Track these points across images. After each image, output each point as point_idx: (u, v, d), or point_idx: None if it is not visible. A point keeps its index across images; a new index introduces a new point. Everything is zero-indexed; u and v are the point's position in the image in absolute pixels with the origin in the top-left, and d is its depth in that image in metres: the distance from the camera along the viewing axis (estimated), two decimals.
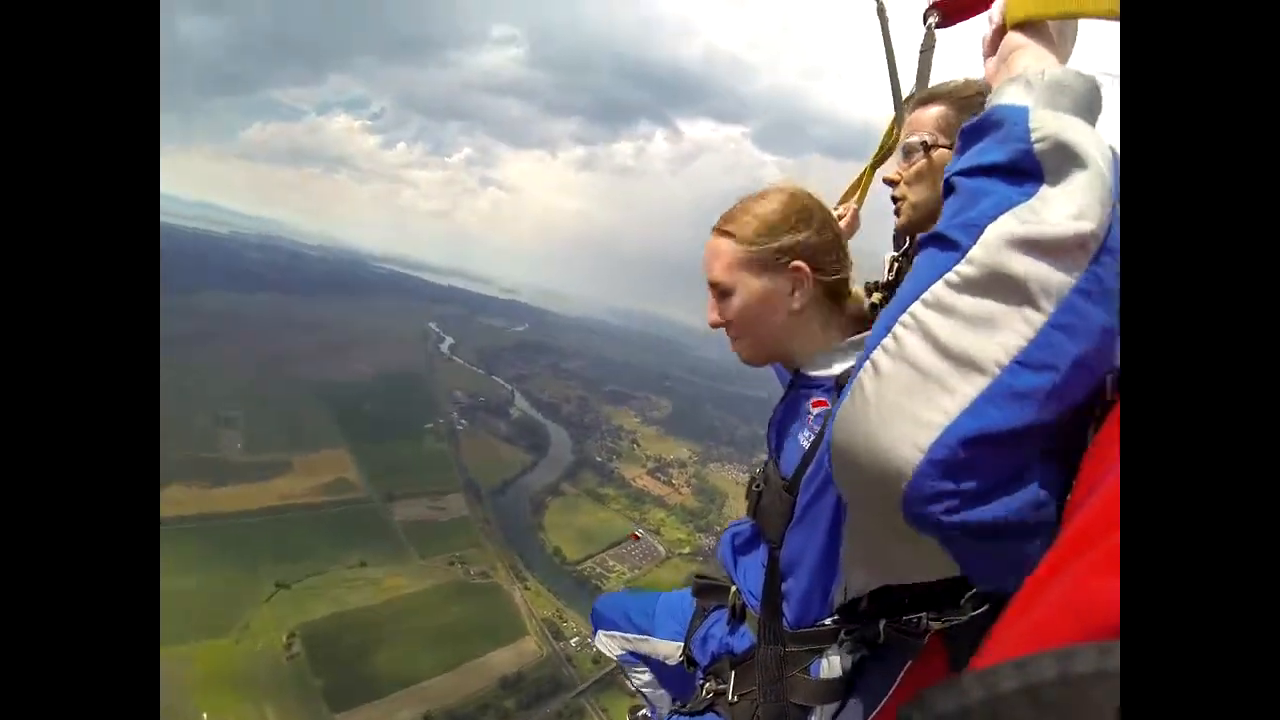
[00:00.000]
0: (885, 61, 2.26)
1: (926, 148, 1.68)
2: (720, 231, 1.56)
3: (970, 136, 0.92)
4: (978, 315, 0.78)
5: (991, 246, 0.79)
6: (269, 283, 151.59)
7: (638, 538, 75.35)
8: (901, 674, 1.35)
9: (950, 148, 1.63)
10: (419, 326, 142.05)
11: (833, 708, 1.49)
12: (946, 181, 0.91)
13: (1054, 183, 0.81)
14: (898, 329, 0.84)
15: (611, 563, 71.50)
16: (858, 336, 1.53)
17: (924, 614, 1.32)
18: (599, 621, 2.40)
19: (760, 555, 1.64)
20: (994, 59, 1.05)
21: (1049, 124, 0.83)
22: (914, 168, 1.71)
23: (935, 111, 1.70)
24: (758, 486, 1.65)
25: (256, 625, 49.91)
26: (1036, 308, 0.76)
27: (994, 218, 0.81)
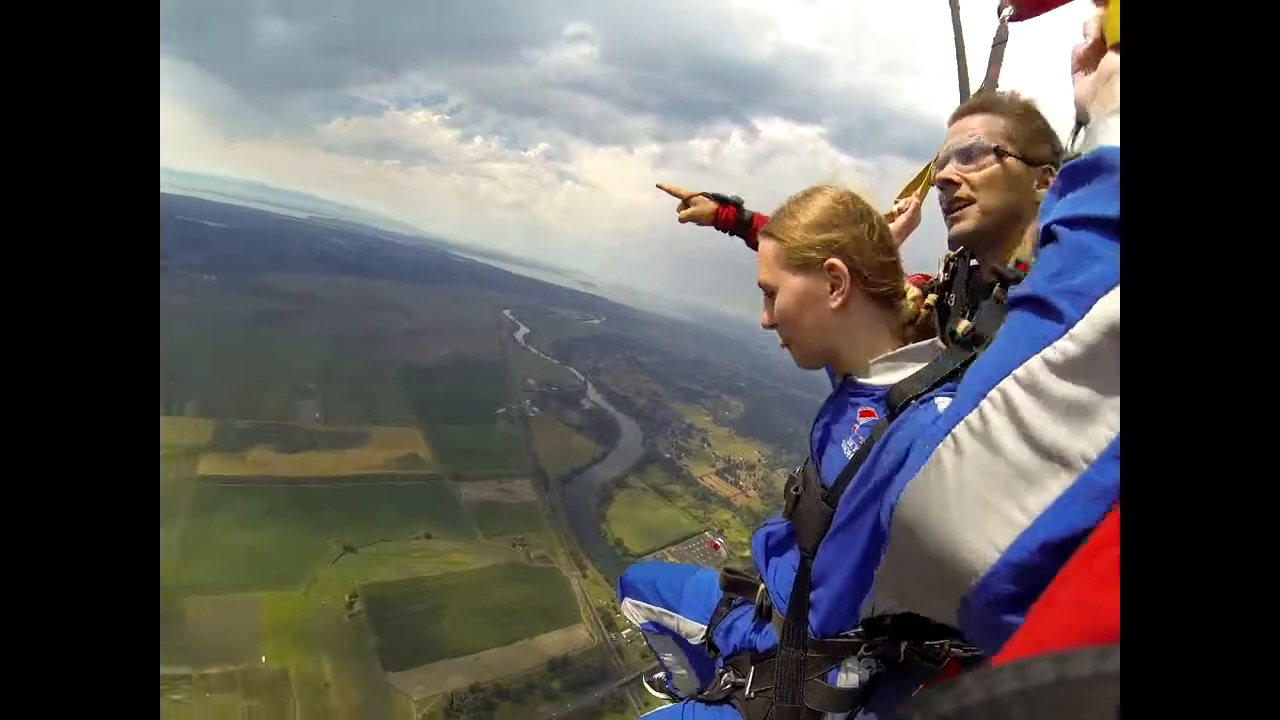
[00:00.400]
0: (955, 53, 2.22)
1: (1000, 153, 1.63)
2: (766, 233, 1.59)
3: (1074, 178, 0.82)
4: (1074, 403, 0.72)
5: (1100, 325, 0.71)
6: (349, 266, 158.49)
7: (716, 546, 73.74)
8: (915, 693, 1.39)
9: (1021, 159, 1.62)
10: (495, 315, 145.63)
11: (843, 716, 1.54)
12: (1046, 228, 0.83)
13: None
14: (985, 406, 0.79)
15: (671, 559, 70.42)
16: (911, 346, 1.51)
17: (947, 640, 1.44)
18: (627, 589, 2.45)
19: (792, 558, 1.65)
20: (1088, 77, 0.93)
21: None
22: (984, 171, 1.66)
23: (1003, 121, 1.67)
24: (796, 489, 1.64)
25: (323, 581, 51.86)
26: None
27: (1107, 289, 0.72)
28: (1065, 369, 0.73)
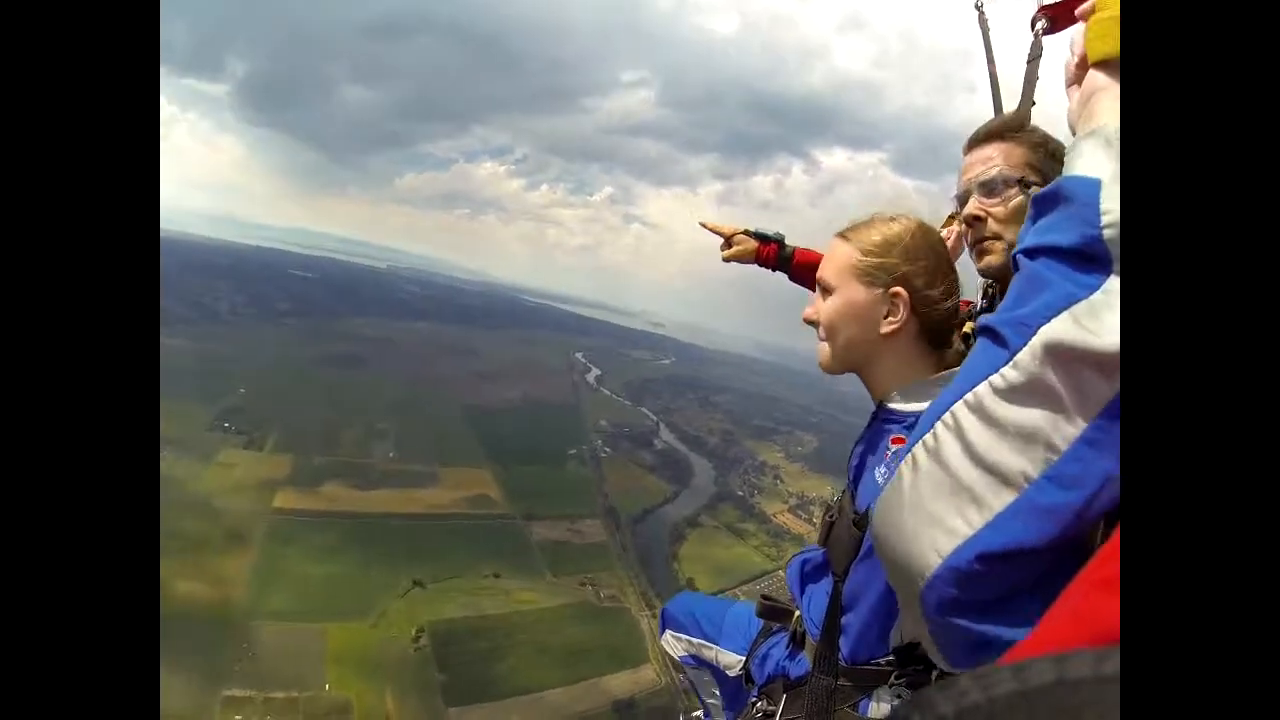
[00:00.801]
0: (988, 75, 2.23)
1: (1025, 184, 1.61)
2: (842, 235, 1.61)
3: (1041, 206, 0.88)
4: (1015, 425, 0.78)
5: (1038, 353, 0.77)
6: (424, 312, 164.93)
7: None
8: (914, 694, 1.36)
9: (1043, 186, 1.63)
10: (566, 357, 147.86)
11: None
12: (1013, 257, 0.89)
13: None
14: (939, 427, 0.86)
15: (743, 599, 67.62)
16: (945, 372, 1.52)
17: None
18: (668, 621, 2.49)
19: (826, 585, 1.67)
20: (1077, 93, 0.96)
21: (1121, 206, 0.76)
22: (1011, 204, 1.64)
23: (1022, 150, 1.66)
24: (831, 516, 1.69)
25: (390, 615, 52.56)
26: (1072, 422, 0.76)
27: (1048, 318, 0.78)
28: (1008, 394, 0.79)
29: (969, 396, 0.83)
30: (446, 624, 52.82)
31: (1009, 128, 1.71)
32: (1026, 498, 0.77)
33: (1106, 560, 0.47)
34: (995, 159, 1.65)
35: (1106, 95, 0.88)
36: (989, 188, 1.65)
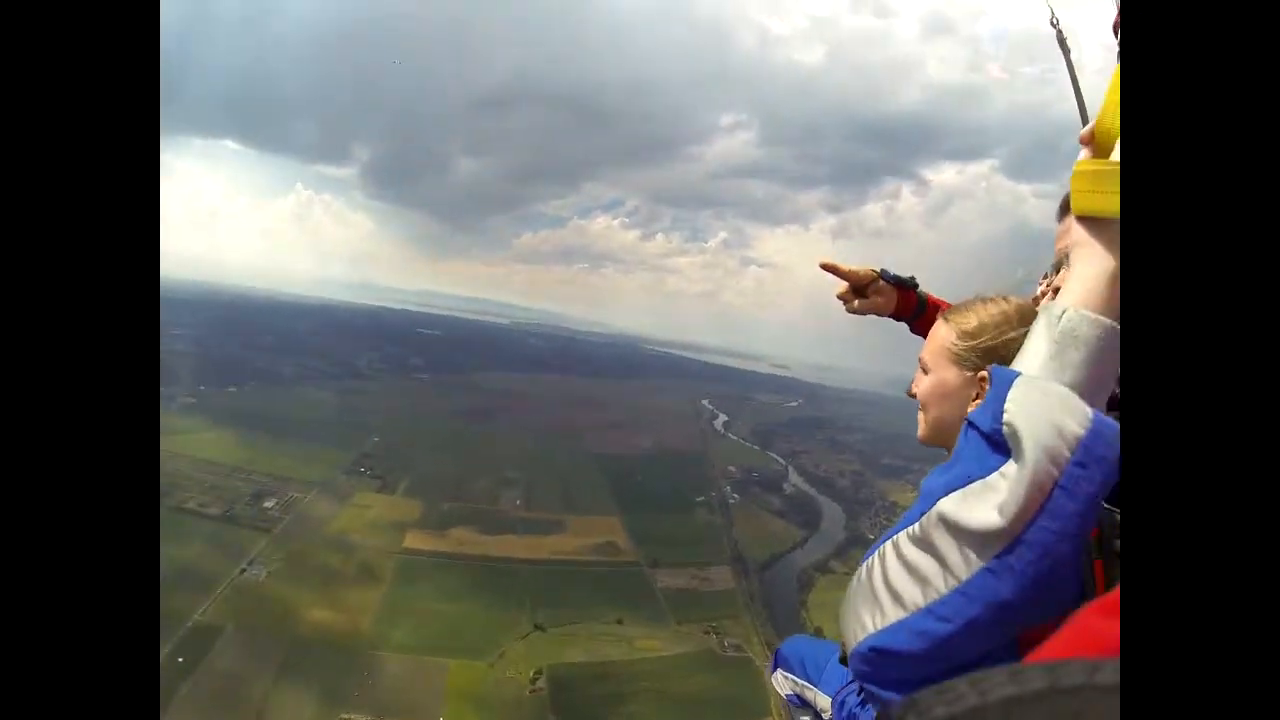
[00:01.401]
0: (1075, 98, 2.05)
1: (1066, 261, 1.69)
2: (944, 317, 1.73)
3: (993, 381, 1.07)
4: (915, 566, 1.04)
5: (932, 519, 1.03)
6: (550, 365, 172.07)
7: None
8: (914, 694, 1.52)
9: None
10: (693, 404, 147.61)
11: None
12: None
13: (1017, 459, 0.95)
14: (885, 547, 1.16)
15: None
16: None
17: None
18: (780, 661, 2.59)
19: None
20: (1067, 235, 1.15)
21: (1016, 412, 0.96)
22: (1055, 279, 1.71)
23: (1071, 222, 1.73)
24: None
25: (510, 656, 54.38)
26: (953, 574, 0.99)
27: (946, 492, 1.03)
28: (915, 543, 1.07)
29: (896, 537, 1.10)
30: (565, 668, 53.75)
31: None
32: (911, 618, 1.01)
33: (1106, 599, 0.50)
34: (1064, 235, 1.67)
35: (1081, 255, 1.04)
36: (1059, 266, 1.68)
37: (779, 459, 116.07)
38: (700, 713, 51.13)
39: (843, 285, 2.19)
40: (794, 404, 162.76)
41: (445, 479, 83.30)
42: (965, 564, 0.97)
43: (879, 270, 2.11)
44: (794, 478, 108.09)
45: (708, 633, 63.51)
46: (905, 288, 2.16)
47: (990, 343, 1.56)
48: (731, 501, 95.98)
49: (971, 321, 1.60)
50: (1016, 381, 0.98)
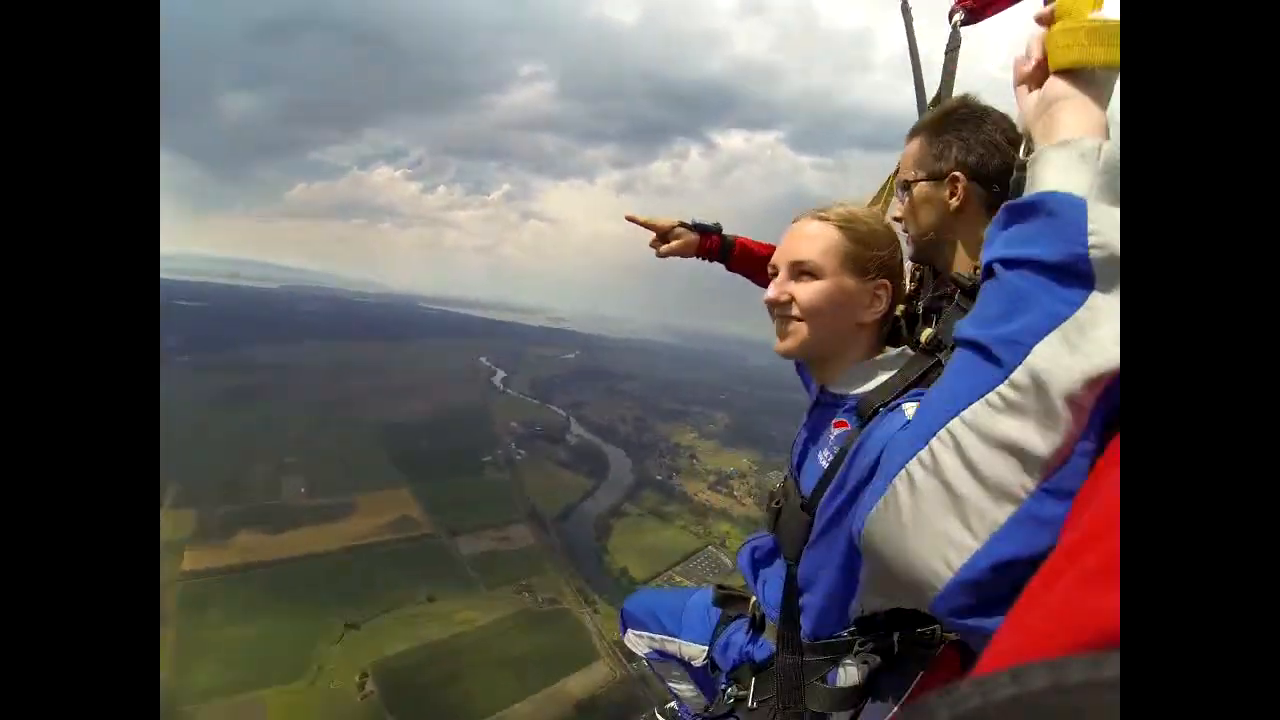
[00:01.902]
0: (911, 64, 2.27)
1: (906, 186, 1.69)
2: (824, 219, 1.54)
3: (1016, 215, 0.88)
4: (1013, 442, 0.79)
5: (1038, 373, 0.78)
6: (322, 331, 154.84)
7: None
8: (915, 681, 1.47)
9: (927, 179, 1.65)
10: (471, 362, 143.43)
11: (848, 715, 1.56)
12: (987, 265, 0.90)
13: (1105, 290, 0.78)
14: (935, 445, 0.87)
15: (679, 579, 68.54)
16: (880, 356, 1.53)
17: (937, 626, 1.46)
18: (628, 620, 2.44)
19: (779, 569, 1.68)
20: (1033, 98, 0.98)
21: (1108, 231, 0.78)
22: (904, 206, 1.71)
23: (912, 146, 1.71)
24: (778, 502, 1.67)
25: (329, 667, 48.82)
26: (1066, 436, 0.77)
27: (1040, 336, 0.80)
28: (1005, 412, 0.81)
29: (966, 414, 0.84)
30: (390, 663, 49.85)
31: (915, 127, 1.74)
32: (1027, 509, 0.79)
33: (1095, 541, 0.44)
34: (901, 162, 1.73)
35: (1070, 106, 0.89)
36: (904, 187, 1.71)
37: (560, 411, 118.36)
38: (534, 670, 51.25)
39: (652, 235, 2.33)
40: (571, 355, 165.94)
41: (218, 478, 71.07)
42: (1081, 415, 0.77)
43: (682, 221, 2.29)
44: (576, 428, 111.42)
45: (520, 592, 63.94)
46: (707, 233, 2.31)
47: (889, 258, 1.52)
48: (518, 458, 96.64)
49: (866, 228, 1.52)
50: (1089, 202, 0.81)
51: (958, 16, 2.03)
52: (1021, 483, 0.79)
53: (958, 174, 1.59)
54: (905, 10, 2.34)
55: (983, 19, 2.08)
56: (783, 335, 1.53)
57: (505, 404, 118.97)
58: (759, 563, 1.81)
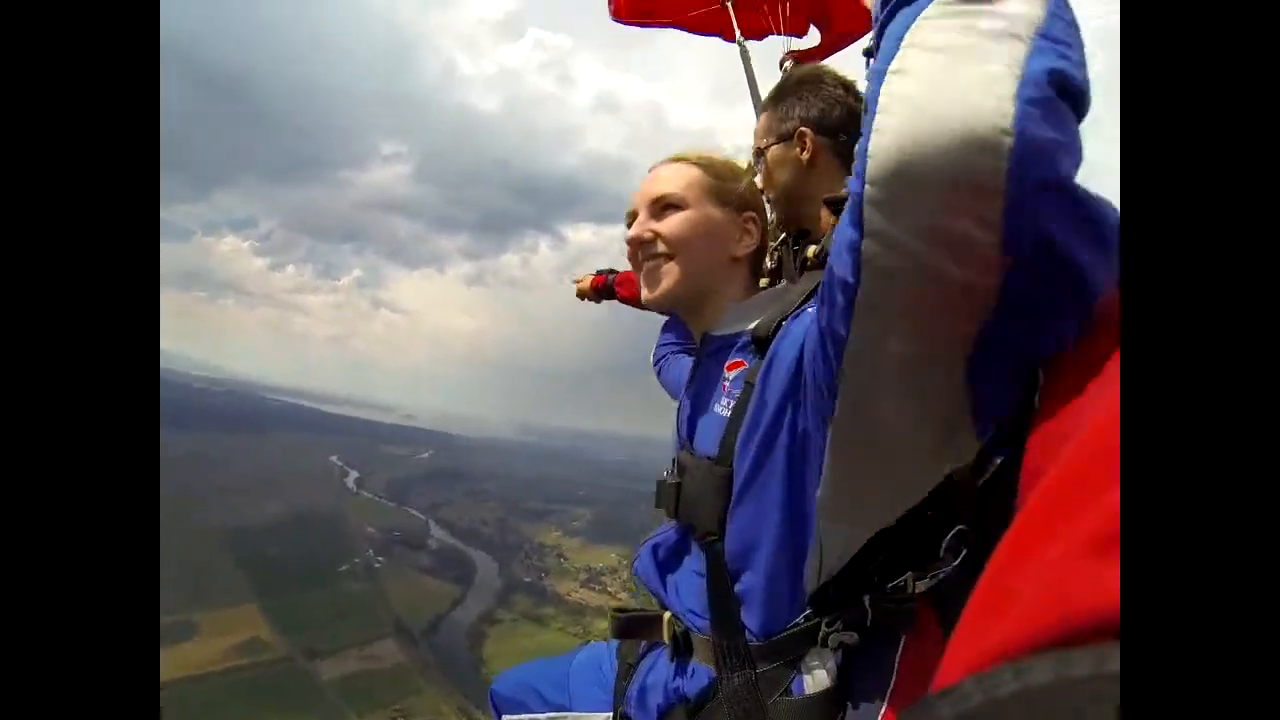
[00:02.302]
0: (751, 99, 2.39)
1: (759, 154, 1.74)
2: (679, 160, 1.45)
3: None
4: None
5: None
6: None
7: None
8: (897, 664, 1.11)
9: (777, 141, 1.70)
10: (322, 461, 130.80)
11: None
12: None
13: None
14: (907, 40, 0.69)
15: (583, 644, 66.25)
16: (761, 293, 1.43)
17: (909, 573, 1.09)
18: (501, 705, 1.81)
19: (695, 561, 1.30)
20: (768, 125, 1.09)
21: None
22: (761, 173, 1.73)
23: (760, 120, 1.78)
24: (673, 480, 1.34)
25: None
26: None
27: None
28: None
29: (918, 20, 0.68)
30: None
31: (762, 103, 1.83)
32: (1053, 9, 0.65)
33: (1090, 496, 0.36)
34: (756, 134, 1.79)
35: None
36: (755, 156, 1.77)
37: (418, 514, 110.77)
38: None
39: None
40: (426, 455, 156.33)
41: None
42: None
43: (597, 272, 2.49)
44: (437, 531, 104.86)
45: (395, 717, 57.26)
46: (600, 274, 2.47)
47: (752, 195, 1.44)
48: (378, 565, 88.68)
49: (720, 163, 1.42)
50: None
51: (788, 64, 2.22)
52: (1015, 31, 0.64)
53: (804, 129, 1.63)
54: (742, 50, 2.49)
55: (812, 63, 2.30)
56: (653, 283, 1.38)
57: (360, 506, 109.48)
58: (665, 563, 1.39)
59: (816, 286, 1.10)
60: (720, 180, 1.41)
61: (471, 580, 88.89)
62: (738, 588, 1.21)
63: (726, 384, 1.30)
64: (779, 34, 2.48)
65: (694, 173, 1.41)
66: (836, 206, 1.38)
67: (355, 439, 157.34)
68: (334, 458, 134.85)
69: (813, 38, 2.63)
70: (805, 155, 1.63)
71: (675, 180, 1.41)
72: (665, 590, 1.37)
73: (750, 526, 1.18)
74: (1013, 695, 0.27)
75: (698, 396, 1.38)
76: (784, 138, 1.67)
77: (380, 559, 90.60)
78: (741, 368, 1.28)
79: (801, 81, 1.70)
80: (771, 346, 1.20)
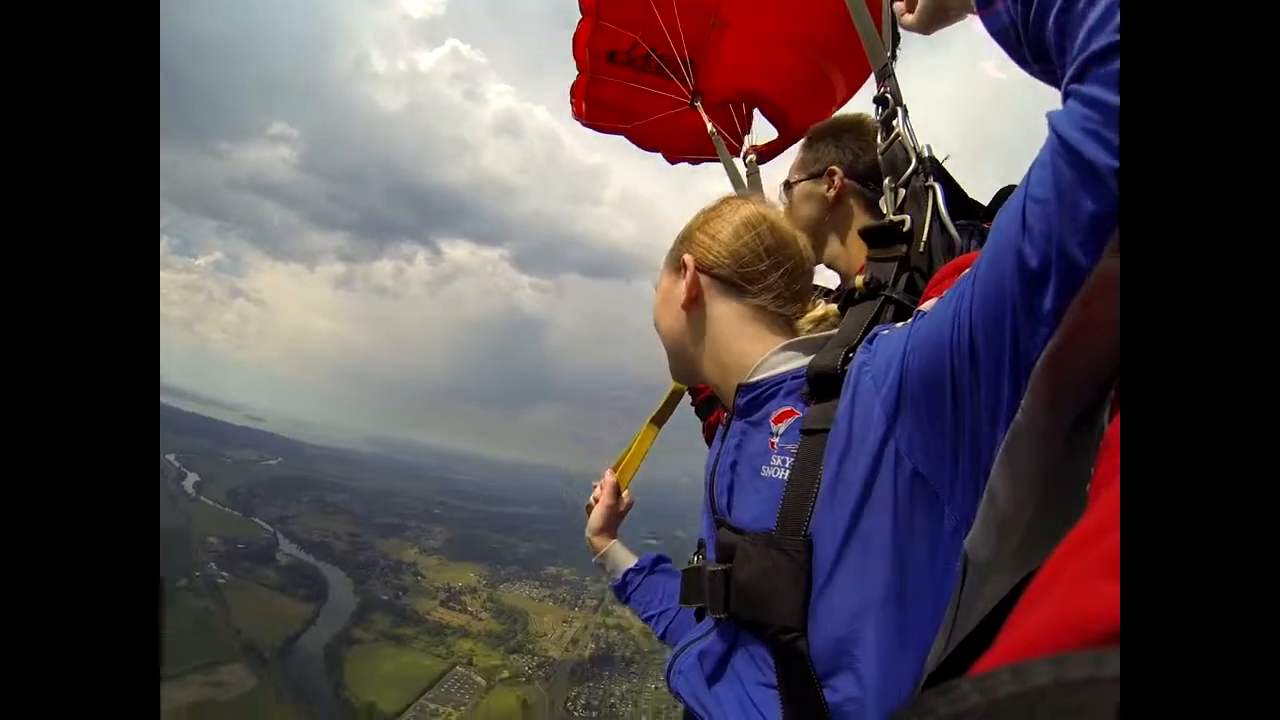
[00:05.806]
0: (727, 173, 2.39)
1: (789, 187, 1.76)
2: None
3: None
4: None
5: None
6: None
7: None
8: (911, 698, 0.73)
9: (807, 178, 1.71)
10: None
11: None
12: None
13: None
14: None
15: (435, 706, 64.51)
16: (806, 337, 1.12)
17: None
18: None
19: (754, 669, 0.99)
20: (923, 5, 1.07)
21: None
22: (786, 205, 1.76)
23: (796, 156, 1.79)
24: (715, 568, 1.03)
25: None
26: None
27: None
28: None
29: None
30: None
31: (803, 142, 1.79)
32: None
33: (1101, 534, 0.37)
34: (790, 169, 1.76)
35: None
36: (784, 188, 1.77)
37: (265, 525, 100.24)
38: None
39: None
40: (274, 461, 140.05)
41: None
42: None
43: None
44: (286, 545, 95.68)
45: None
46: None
47: (688, 238, 1.23)
48: (221, 581, 79.71)
49: (685, 228, 1.25)
50: None
51: (751, 158, 2.29)
52: None
53: (834, 168, 1.64)
54: (714, 138, 2.43)
55: (770, 160, 2.32)
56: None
57: (201, 515, 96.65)
58: (715, 675, 1.04)
59: (875, 315, 1.04)
60: (676, 246, 1.25)
61: (325, 598, 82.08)
62: (831, 698, 0.89)
63: (776, 440, 1.00)
64: (743, 131, 2.52)
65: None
66: (874, 239, 1.31)
67: (196, 439, 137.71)
68: (170, 456, 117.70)
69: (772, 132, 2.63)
70: (831, 193, 1.65)
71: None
72: (718, 712, 1.02)
73: (854, 597, 0.88)
74: (1010, 696, 0.26)
75: (737, 464, 1.07)
76: (813, 175, 1.69)
77: (224, 574, 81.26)
78: (794, 416, 1.00)
79: (841, 128, 1.70)
80: (850, 377, 0.93)
